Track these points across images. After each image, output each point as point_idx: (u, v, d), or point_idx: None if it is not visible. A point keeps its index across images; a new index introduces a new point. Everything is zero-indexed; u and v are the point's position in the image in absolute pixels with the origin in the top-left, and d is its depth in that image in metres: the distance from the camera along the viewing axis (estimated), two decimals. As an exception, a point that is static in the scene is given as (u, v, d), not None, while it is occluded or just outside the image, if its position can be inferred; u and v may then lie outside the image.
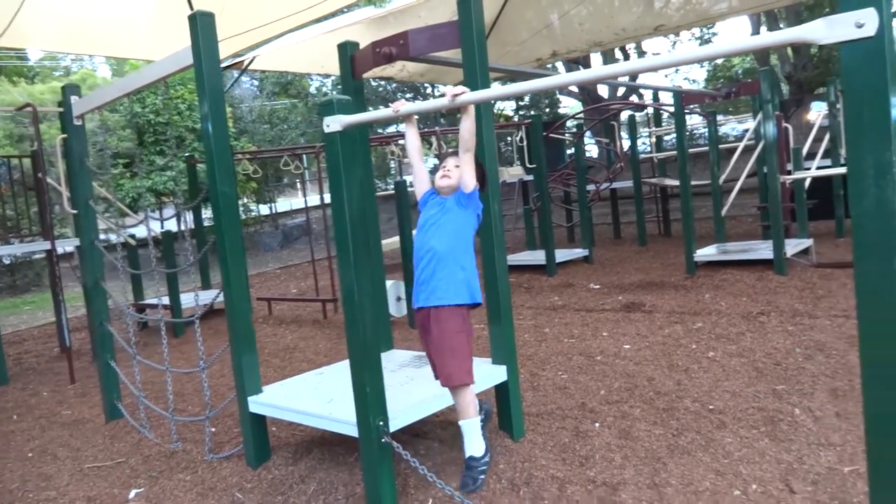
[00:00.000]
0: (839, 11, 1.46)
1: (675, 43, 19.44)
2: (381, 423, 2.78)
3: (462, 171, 2.75)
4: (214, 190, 3.34)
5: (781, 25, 15.70)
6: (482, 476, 2.82)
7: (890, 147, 1.45)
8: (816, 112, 10.67)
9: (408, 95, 21.61)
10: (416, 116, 2.91)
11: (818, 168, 8.53)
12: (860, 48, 1.45)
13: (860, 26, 1.43)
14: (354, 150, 2.69)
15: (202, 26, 3.21)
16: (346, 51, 3.84)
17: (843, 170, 8.43)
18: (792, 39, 1.55)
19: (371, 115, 2.91)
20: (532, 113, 20.42)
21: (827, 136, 9.18)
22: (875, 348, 1.52)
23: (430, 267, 2.73)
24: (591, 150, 19.44)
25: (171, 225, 9.38)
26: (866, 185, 1.48)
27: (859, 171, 1.48)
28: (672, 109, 8.58)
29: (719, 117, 15.89)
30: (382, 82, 19.83)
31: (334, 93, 20.63)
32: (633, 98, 17.58)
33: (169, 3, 7.78)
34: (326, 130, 2.62)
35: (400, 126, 21.44)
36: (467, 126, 2.65)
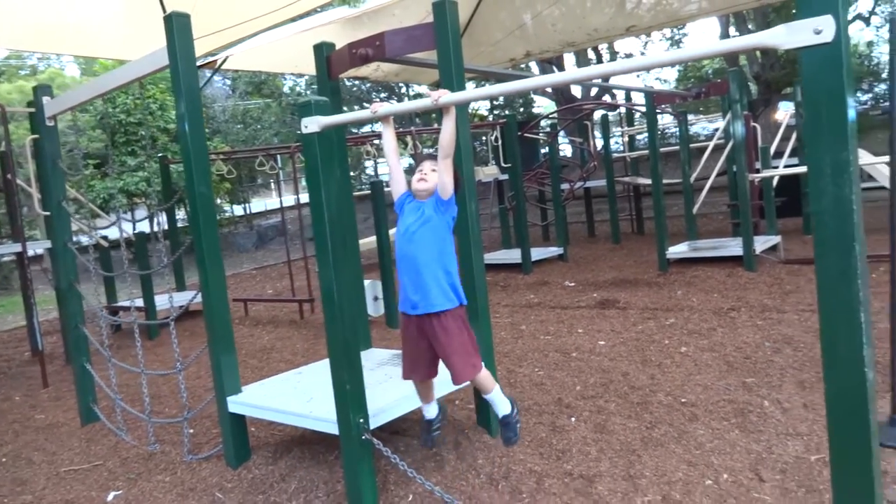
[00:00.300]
0: (798, 18, 1.53)
1: (646, 43, 19.69)
2: (361, 420, 2.81)
3: (441, 178, 2.73)
4: (192, 191, 3.34)
5: (750, 26, 15.99)
6: (518, 425, 2.99)
7: (847, 147, 1.52)
8: (784, 111, 10.91)
9: (382, 95, 21.58)
10: (392, 118, 2.87)
11: (786, 167, 8.71)
12: (818, 53, 1.52)
13: (818, 32, 1.50)
14: (332, 151, 2.72)
15: (178, 27, 3.21)
16: (322, 52, 3.86)
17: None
18: (755, 45, 1.62)
19: (348, 116, 2.94)
20: (506, 113, 20.52)
21: (794, 135, 9.39)
22: (835, 341, 1.60)
23: (418, 275, 2.74)
24: (566, 149, 19.61)
25: (144, 226, 9.28)
26: (825, 184, 1.55)
27: (818, 170, 1.56)
28: (644, 109, 8.71)
29: (690, 117, 16.15)
30: (357, 82, 19.79)
31: (308, 92, 20.53)
32: (607, 98, 17.76)
33: (139, 2, 7.72)
34: (304, 132, 2.65)
35: (376, 126, 21.44)
36: (449, 129, 2.64)
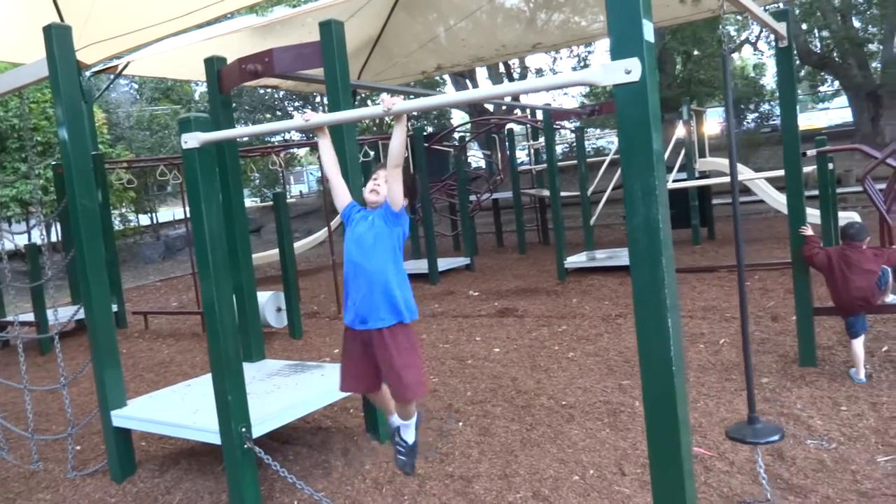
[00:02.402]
0: (612, 59, 1.74)
1: (555, 60, 20.42)
2: (243, 429, 2.86)
3: (391, 188, 2.59)
4: (73, 202, 3.30)
5: (649, 47, 16.86)
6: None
7: (653, 173, 1.74)
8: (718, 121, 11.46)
9: (297, 104, 21.38)
10: (327, 128, 2.70)
11: (675, 181, 9.24)
12: (629, 90, 1.73)
13: (628, 72, 1.71)
14: (213, 166, 2.78)
15: (57, 39, 3.18)
16: (213, 65, 3.90)
17: (695, 182, 9.21)
18: (578, 81, 1.82)
19: (229, 132, 2.99)
20: (418, 123, 20.76)
21: (683, 150, 9.95)
22: (648, 342, 1.81)
23: (369, 288, 2.61)
24: (480, 161, 19.99)
25: (36, 237, 8.88)
26: (637, 205, 1.76)
27: (631, 193, 1.77)
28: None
29: (598, 131, 16.86)
30: (269, 90, 19.53)
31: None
32: (518, 112, 18.27)
33: (35, 4, 7.46)
34: (184, 147, 2.70)
35: (291, 134, 21.18)
36: (399, 138, 2.49)
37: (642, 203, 1.74)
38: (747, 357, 2.87)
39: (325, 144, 2.71)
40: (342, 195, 2.76)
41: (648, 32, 1.71)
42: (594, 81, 1.77)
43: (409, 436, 2.91)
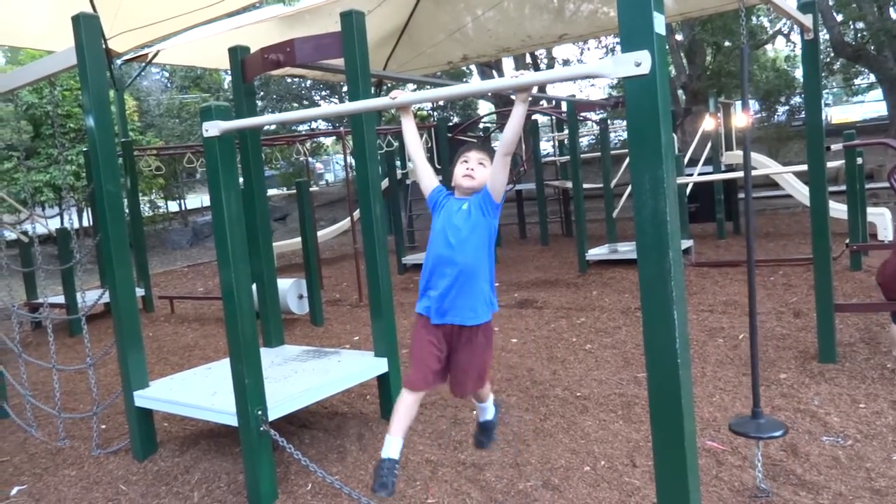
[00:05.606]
0: (623, 52, 1.74)
1: (582, 51, 20.26)
2: (259, 412, 2.93)
3: (496, 176, 2.42)
4: (99, 188, 3.39)
5: (678, 37, 16.64)
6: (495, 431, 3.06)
7: (662, 165, 1.74)
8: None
9: (324, 93, 21.50)
10: (413, 107, 2.61)
11: (700, 174, 9.14)
12: (639, 83, 1.73)
13: (638, 65, 1.72)
14: (233, 154, 2.83)
15: (86, 28, 3.26)
16: (237, 55, 3.96)
17: (721, 175, 9.10)
18: (588, 73, 1.83)
19: (248, 121, 3.04)
20: (445, 114, 20.74)
21: (709, 144, 9.84)
22: (654, 332, 1.82)
23: (458, 282, 2.46)
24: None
25: (68, 221, 9.08)
26: (645, 197, 1.77)
27: (640, 185, 1.77)
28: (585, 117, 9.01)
29: (624, 123, 16.68)
30: (296, 79, 19.66)
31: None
32: (543, 103, 18.18)
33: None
34: (205, 135, 2.76)
35: (317, 124, 21.32)
36: (517, 120, 2.27)
37: (650, 195, 1.75)
38: (754, 350, 2.86)
39: (409, 125, 2.60)
40: (428, 178, 2.60)
41: (659, 25, 1.71)
42: (604, 74, 1.78)
43: (488, 413, 2.96)
